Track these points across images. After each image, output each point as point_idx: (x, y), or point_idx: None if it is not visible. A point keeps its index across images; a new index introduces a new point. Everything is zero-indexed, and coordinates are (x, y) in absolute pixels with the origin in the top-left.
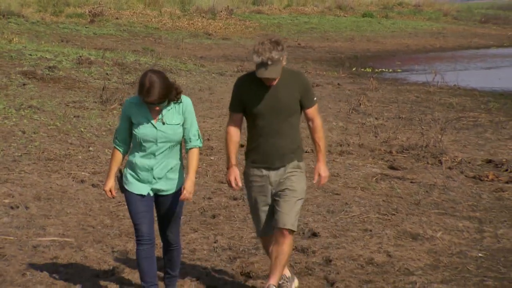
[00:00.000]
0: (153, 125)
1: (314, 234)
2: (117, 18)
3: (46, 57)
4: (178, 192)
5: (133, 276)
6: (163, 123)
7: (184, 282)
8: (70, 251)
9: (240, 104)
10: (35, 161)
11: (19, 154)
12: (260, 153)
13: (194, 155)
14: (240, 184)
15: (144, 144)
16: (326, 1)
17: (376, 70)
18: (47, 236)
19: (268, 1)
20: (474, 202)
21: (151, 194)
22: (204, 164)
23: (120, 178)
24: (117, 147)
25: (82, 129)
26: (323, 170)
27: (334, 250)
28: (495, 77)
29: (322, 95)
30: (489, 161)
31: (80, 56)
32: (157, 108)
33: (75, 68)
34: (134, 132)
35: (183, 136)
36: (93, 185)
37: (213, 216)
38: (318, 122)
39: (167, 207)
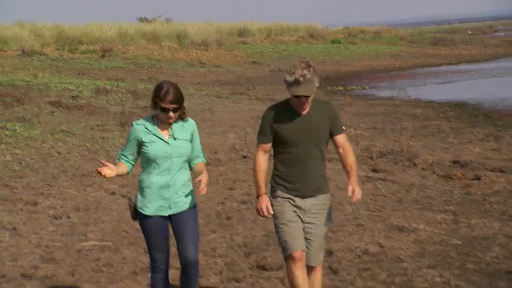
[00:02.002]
0: (165, 141)
1: None
2: (124, 53)
3: (69, 88)
4: (193, 208)
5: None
6: (175, 139)
7: (209, 276)
8: (110, 254)
9: (271, 133)
10: (71, 177)
11: (57, 172)
12: (293, 181)
13: (202, 165)
14: (271, 211)
15: (158, 161)
16: (299, 31)
17: (348, 88)
18: (88, 241)
19: (251, 33)
20: (447, 197)
21: (169, 212)
22: (215, 174)
23: (133, 207)
24: (122, 161)
25: (108, 148)
26: (356, 185)
27: (334, 243)
28: (448, 90)
29: None
30: (456, 162)
31: (98, 86)
32: (171, 114)
33: (94, 97)
34: (145, 151)
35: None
36: (122, 196)
37: (228, 218)
38: (348, 147)
39: (184, 223)
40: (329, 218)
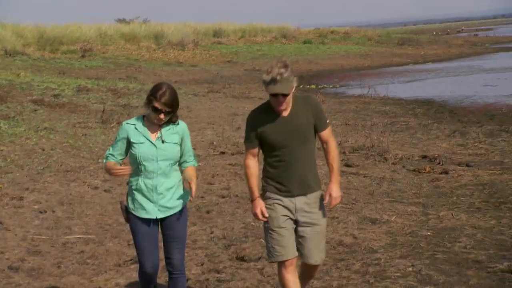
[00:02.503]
0: (153, 143)
1: None
2: (103, 53)
3: (51, 87)
4: (183, 211)
5: None
6: (163, 142)
7: (191, 267)
8: (94, 246)
9: (256, 136)
10: (55, 173)
11: (42, 168)
12: (283, 181)
13: (193, 169)
14: (266, 214)
15: (144, 163)
16: (272, 32)
17: (319, 86)
18: (73, 234)
19: (226, 33)
20: (417, 190)
21: (158, 216)
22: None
23: (125, 208)
24: (112, 160)
25: (90, 145)
26: (335, 190)
27: None
28: (416, 88)
29: None
30: (424, 157)
31: (79, 85)
32: (161, 116)
33: (76, 95)
34: (132, 152)
35: (180, 156)
36: (105, 191)
37: (207, 212)
38: (332, 143)
39: (172, 227)
40: (323, 215)
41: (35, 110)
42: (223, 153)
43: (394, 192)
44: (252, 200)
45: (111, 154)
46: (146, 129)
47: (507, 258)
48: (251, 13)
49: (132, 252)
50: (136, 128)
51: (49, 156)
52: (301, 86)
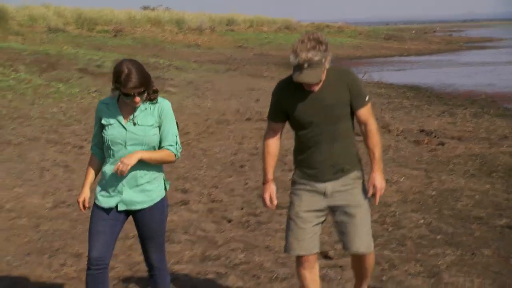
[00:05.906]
0: (123, 125)
1: None
2: (132, 34)
3: (94, 59)
4: (157, 206)
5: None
6: (134, 124)
7: (232, 211)
8: None
9: (280, 112)
10: None
11: None
12: (311, 165)
13: (163, 150)
14: (275, 202)
15: (112, 147)
16: (277, 23)
17: None
18: None
19: (237, 22)
20: (419, 158)
21: (121, 208)
22: (226, 131)
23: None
24: (93, 152)
25: None
26: (378, 181)
27: None
28: (404, 75)
29: None
30: (422, 131)
31: (117, 58)
32: (137, 99)
33: None
34: (103, 134)
35: (160, 142)
36: None
37: (241, 166)
38: (373, 126)
39: (144, 224)
40: (362, 196)
41: (81, 77)
42: (249, 119)
43: (399, 158)
44: (264, 183)
45: (94, 146)
46: (118, 109)
47: (505, 216)
48: (257, 7)
49: None
50: (108, 108)
51: None
52: None
